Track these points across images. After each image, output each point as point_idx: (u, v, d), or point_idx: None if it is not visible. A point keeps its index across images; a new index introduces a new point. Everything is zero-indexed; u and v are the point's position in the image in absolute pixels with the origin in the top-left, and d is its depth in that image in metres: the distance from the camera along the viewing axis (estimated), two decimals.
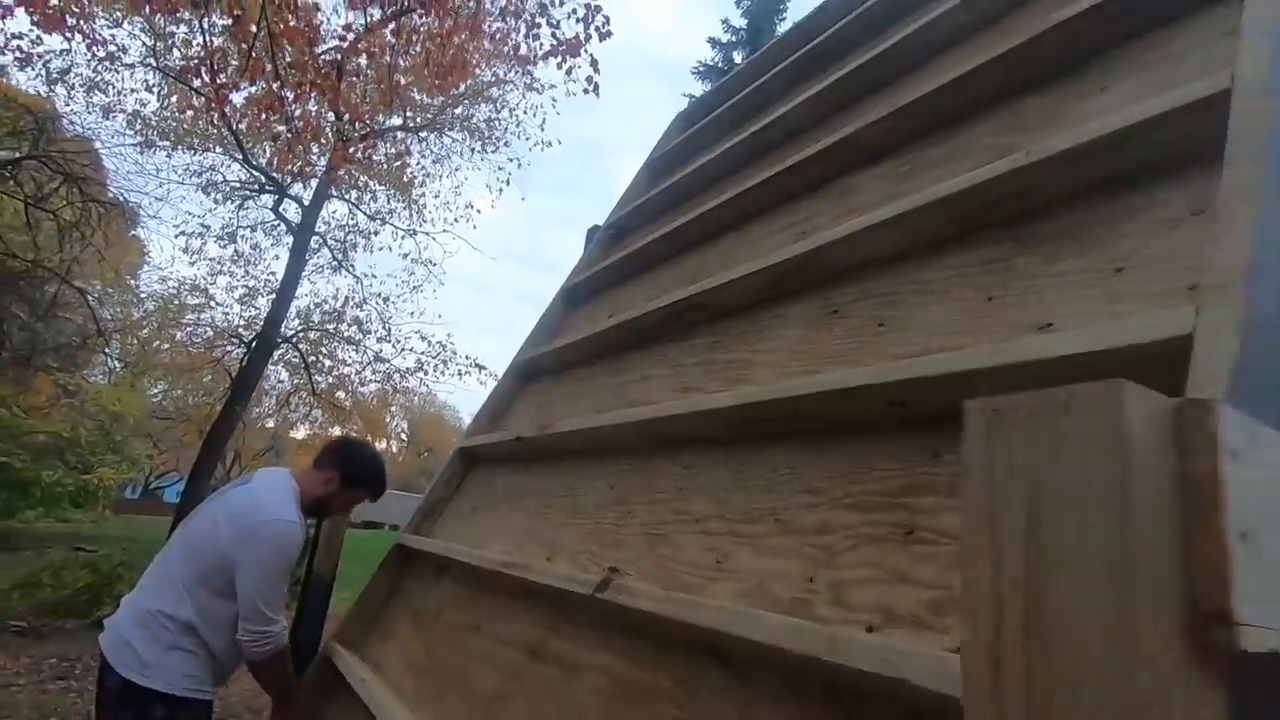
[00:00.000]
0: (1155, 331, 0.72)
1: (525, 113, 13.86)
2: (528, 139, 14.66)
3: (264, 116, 5.01)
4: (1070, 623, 0.33)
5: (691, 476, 1.40)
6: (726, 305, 1.68)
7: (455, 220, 18.37)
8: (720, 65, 15.94)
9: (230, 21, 4.33)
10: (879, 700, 0.77)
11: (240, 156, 11.44)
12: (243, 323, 14.54)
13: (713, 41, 16.46)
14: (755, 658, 0.94)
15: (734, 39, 16.23)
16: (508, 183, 14.07)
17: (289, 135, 4.80)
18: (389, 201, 14.42)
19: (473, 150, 14.07)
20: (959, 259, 1.17)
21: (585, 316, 2.76)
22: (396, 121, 11.82)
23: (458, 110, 13.80)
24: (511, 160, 14.23)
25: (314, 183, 12.22)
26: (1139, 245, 0.90)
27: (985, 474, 0.38)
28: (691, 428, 1.44)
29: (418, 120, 13.04)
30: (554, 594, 1.42)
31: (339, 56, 4.97)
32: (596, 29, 4.94)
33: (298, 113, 5.40)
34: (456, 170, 17.82)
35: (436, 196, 18.43)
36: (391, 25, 5.51)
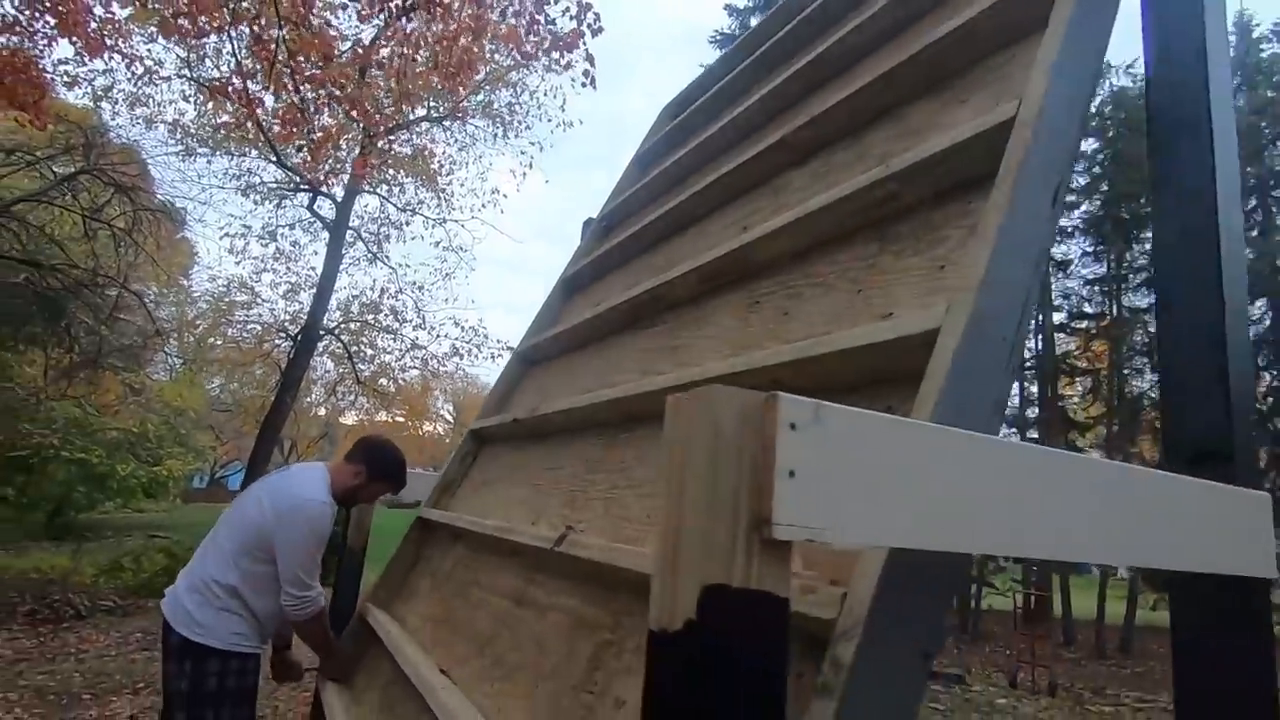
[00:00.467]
0: (930, 324, 0.93)
1: (545, 95, 14.03)
2: (549, 121, 14.80)
3: (289, 129, 5.34)
4: (688, 524, 0.56)
5: (644, 448, 1.64)
6: (677, 298, 1.90)
7: (483, 206, 18.74)
8: (737, 33, 15.76)
9: (251, 38, 4.63)
10: None
11: (275, 159, 11.93)
12: (288, 317, 15.22)
13: (729, 8, 16.28)
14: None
15: (750, 4, 16.01)
16: (530, 166, 14.29)
17: (312, 145, 5.11)
18: (416, 192, 14.84)
19: (495, 136, 14.34)
20: (843, 255, 1.37)
21: (580, 305, 3.00)
22: (420, 113, 12.15)
23: (478, 97, 14.04)
24: (533, 144, 14.44)
25: (345, 178, 12.67)
26: (954, 247, 1.09)
27: (669, 437, 0.61)
28: (642, 406, 1.67)
29: (441, 109, 13.33)
30: (533, 551, 1.68)
31: (356, 68, 5.24)
32: (589, 26, 5.13)
33: (319, 121, 5.72)
34: (481, 157, 18.08)
35: (463, 184, 18.76)
36: (408, 25, 5.75)
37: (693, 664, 0.53)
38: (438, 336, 15.56)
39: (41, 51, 6.47)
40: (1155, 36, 1.19)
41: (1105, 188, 13.33)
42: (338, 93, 4.84)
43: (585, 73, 5.48)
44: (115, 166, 11.91)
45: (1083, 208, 13.98)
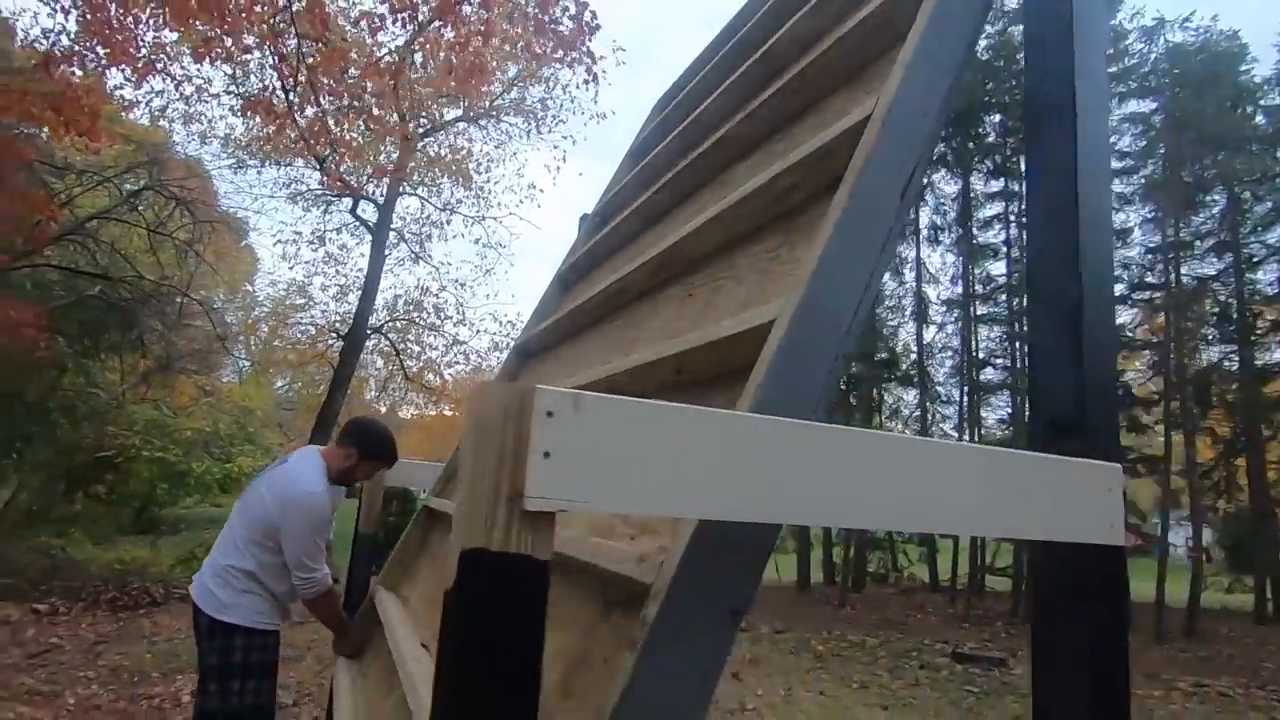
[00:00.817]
0: (772, 314, 1.00)
1: (578, 88, 14.11)
2: (583, 114, 14.90)
3: (317, 140, 5.62)
4: (467, 497, 0.66)
5: None
6: (634, 290, 1.99)
7: (520, 202, 19.02)
8: None
9: (276, 56, 4.90)
10: (611, 581, 1.10)
11: (319, 166, 12.43)
12: (338, 318, 15.86)
13: None
14: (573, 566, 1.29)
15: None
16: (564, 159, 14.42)
17: (335, 159, 5.38)
18: (454, 191, 15.22)
19: (528, 132, 14.56)
20: (758, 247, 1.43)
21: (573, 298, 3.11)
22: (449, 115, 12.46)
23: (511, 94, 14.26)
24: (565, 138, 14.60)
25: (385, 183, 13.11)
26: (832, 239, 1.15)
27: (466, 420, 0.71)
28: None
29: (473, 110, 13.61)
30: None
31: (388, 80, 5.47)
32: (586, 24, 5.20)
33: (354, 128, 5.99)
34: (515, 154, 18.34)
35: (498, 182, 19.09)
36: (441, 25, 5.94)
37: (460, 620, 0.64)
38: (478, 332, 15.96)
39: (96, 79, 6.93)
40: (1029, 19, 1.21)
41: (1163, 149, 12.61)
42: (356, 104, 5.08)
43: (588, 69, 5.58)
44: (177, 181, 12.65)
45: (1140, 172, 13.28)
